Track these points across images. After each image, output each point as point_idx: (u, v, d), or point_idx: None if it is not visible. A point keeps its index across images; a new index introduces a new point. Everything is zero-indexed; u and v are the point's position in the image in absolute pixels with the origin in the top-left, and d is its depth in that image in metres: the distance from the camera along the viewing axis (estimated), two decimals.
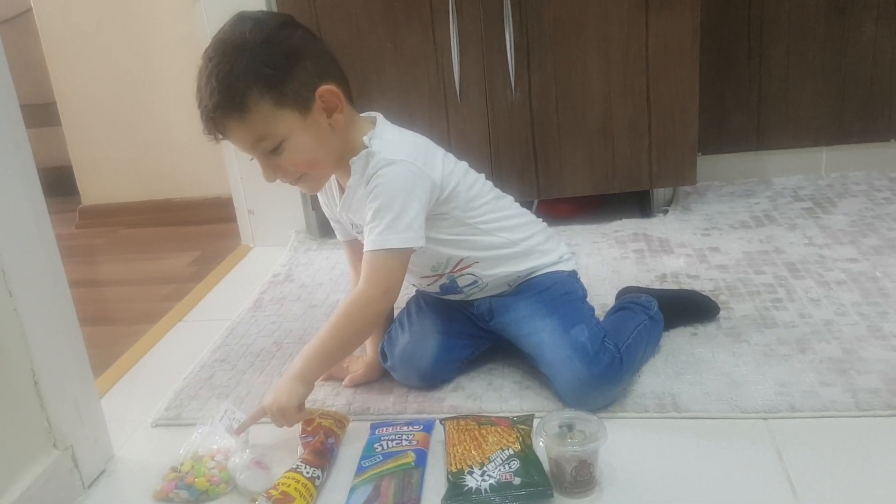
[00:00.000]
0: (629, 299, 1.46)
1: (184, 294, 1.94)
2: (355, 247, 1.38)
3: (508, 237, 1.33)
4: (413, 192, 1.20)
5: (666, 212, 2.12)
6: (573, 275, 1.39)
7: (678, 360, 1.36)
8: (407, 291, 1.46)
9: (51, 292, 1.15)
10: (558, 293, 1.33)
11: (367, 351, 1.42)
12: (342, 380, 1.39)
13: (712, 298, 1.52)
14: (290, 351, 1.52)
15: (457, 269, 1.32)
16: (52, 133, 2.69)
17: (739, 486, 1.04)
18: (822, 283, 1.60)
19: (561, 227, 2.08)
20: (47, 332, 1.13)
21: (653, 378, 1.31)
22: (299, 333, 1.61)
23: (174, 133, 2.57)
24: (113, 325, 1.81)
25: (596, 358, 1.22)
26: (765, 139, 2.33)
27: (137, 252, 2.43)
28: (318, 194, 1.37)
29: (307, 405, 1.24)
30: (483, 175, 1.36)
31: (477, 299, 1.38)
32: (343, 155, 1.23)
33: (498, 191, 1.38)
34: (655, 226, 2.03)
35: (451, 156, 1.32)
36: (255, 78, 1.12)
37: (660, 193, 2.12)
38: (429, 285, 1.37)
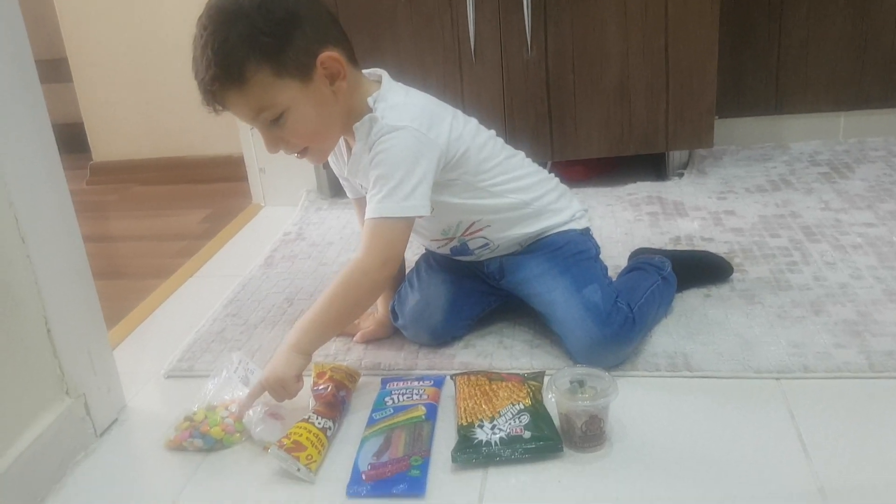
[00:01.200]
0: (642, 260, 1.45)
1: (195, 251, 1.94)
2: (365, 205, 1.36)
3: (520, 198, 1.30)
4: (417, 160, 1.15)
5: (681, 175, 2.10)
6: (586, 232, 1.37)
7: (691, 320, 1.35)
8: (418, 250, 1.46)
9: (63, 241, 1.14)
10: (571, 252, 1.31)
11: (378, 308, 1.42)
12: (353, 335, 1.39)
13: (726, 259, 1.51)
14: (302, 307, 1.52)
15: (468, 232, 1.30)
16: (63, 89, 2.67)
17: (750, 446, 1.04)
18: (838, 247, 1.58)
19: (574, 190, 2.00)
20: (60, 281, 1.13)
21: (665, 338, 1.30)
22: (310, 290, 1.61)
23: (186, 90, 2.51)
24: (125, 279, 1.82)
25: (609, 318, 1.22)
26: (783, 103, 2.29)
27: (149, 209, 2.43)
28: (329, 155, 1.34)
29: (318, 360, 1.25)
30: (493, 132, 1.33)
31: (488, 259, 1.37)
32: (348, 120, 1.19)
33: (510, 148, 1.34)
34: (670, 189, 2.01)
35: (460, 115, 1.27)
36: (252, 47, 1.08)
37: (675, 156, 2.10)
38: (440, 248, 1.36)
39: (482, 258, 1.36)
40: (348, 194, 1.41)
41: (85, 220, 1.18)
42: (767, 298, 1.40)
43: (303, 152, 1.21)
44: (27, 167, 1.08)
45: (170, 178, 2.62)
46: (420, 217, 1.19)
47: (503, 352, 1.31)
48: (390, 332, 1.40)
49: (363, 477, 1.03)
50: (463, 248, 1.34)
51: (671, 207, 1.89)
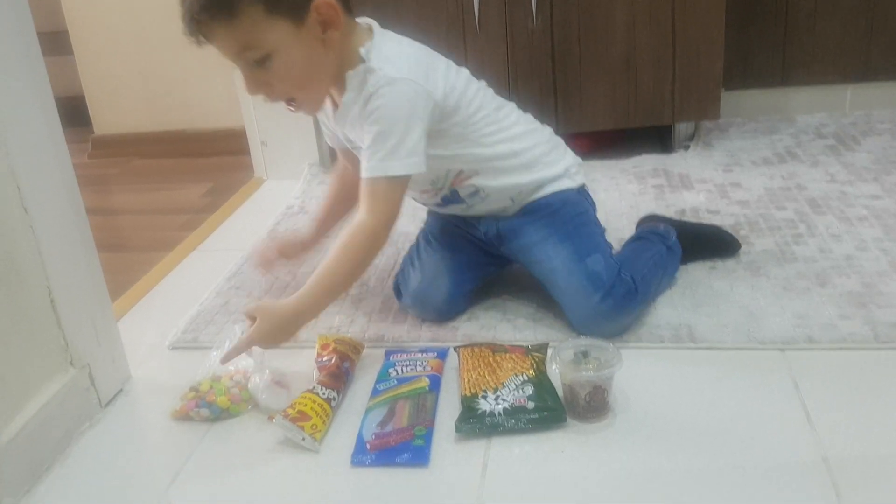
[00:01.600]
0: (648, 228, 1.44)
1: (198, 224, 1.94)
2: (348, 153, 1.34)
3: (511, 147, 1.27)
4: (415, 113, 1.13)
5: (687, 147, 2.08)
6: (582, 190, 1.35)
7: (696, 292, 1.34)
8: (415, 225, 1.45)
9: (66, 212, 1.14)
10: (569, 215, 1.30)
11: (305, 228, 1.47)
12: (289, 256, 1.45)
13: (735, 235, 1.49)
14: (305, 280, 1.51)
15: (458, 180, 1.28)
16: (64, 62, 2.65)
17: (755, 416, 1.04)
18: (844, 219, 1.57)
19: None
20: (63, 251, 1.13)
21: (669, 309, 1.30)
22: (314, 263, 1.60)
23: (187, 63, 2.52)
24: (128, 252, 1.82)
25: (612, 289, 1.21)
26: (789, 75, 2.27)
27: (151, 182, 2.43)
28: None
29: (322, 332, 1.26)
30: (484, 83, 1.29)
31: (482, 220, 1.34)
32: (338, 71, 1.16)
33: (500, 99, 1.31)
34: (676, 161, 2.00)
35: (452, 65, 1.24)
36: None
37: (681, 129, 2.08)
38: (430, 198, 1.34)
39: (474, 209, 1.32)
40: (331, 143, 1.39)
41: (87, 193, 1.17)
42: (773, 270, 1.39)
43: (292, 103, 1.17)
44: (29, 138, 1.07)
45: (172, 152, 2.61)
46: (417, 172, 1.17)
47: (506, 324, 1.31)
48: (299, 252, 1.44)
49: (367, 446, 1.04)
50: (454, 197, 1.31)
51: (677, 180, 1.88)
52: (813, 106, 2.27)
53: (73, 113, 2.63)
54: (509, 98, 1.97)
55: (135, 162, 2.61)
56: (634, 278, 1.24)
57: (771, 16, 2.21)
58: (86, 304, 1.17)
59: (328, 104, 1.26)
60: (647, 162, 2.01)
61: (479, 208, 1.32)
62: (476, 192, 1.29)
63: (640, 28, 1.90)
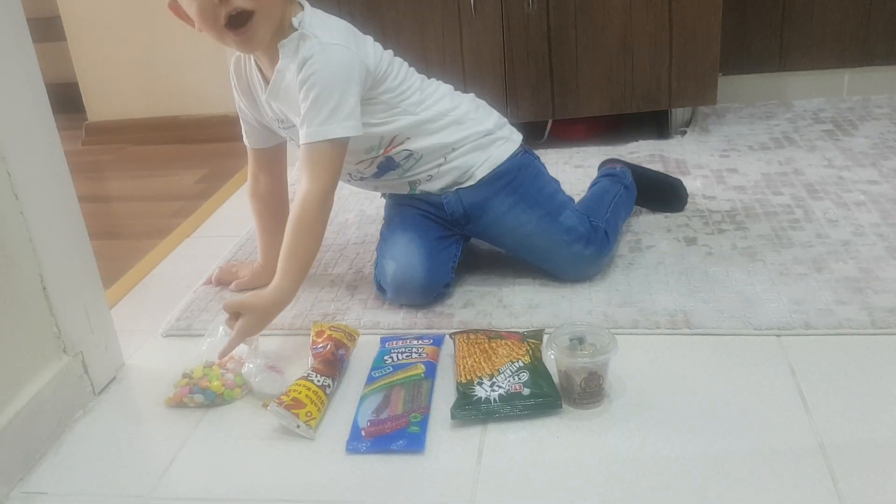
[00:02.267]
0: (605, 171, 1.57)
1: (192, 211, 1.92)
2: (263, 155, 1.39)
3: (437, 110, 1.31)
4: (351, 77, 1.17)
5: (684, 133, 2.07)
6: (527, 150, 1.40)
7: (691, 278, 1.34)
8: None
9: (58, 199, 1.13)
10: (528, 179, 1.36)
11: (259, 258, 1.47)
12: (230, 283, 1.45)
13: (686, 190, 1.61)
14: None
15: (391, 147, 1.30)
16: (57, 48, 2.62)
17: (751, 401, 1.04)
18: (841, 205, 1.57)
19: (575, 149, 2.04)
20: (55, 238, 1.11)
21: (665, 296, 1.29)
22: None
23: (181, 49, 2.50)
24: (121, 239, 1.80)
25: (589, 237, 1.34)
26: (787, 60, 2.26)
27: (144, 169, 2.40)
28: (236, 93, 1.34)
29: (317, 319, 1.25)
30: (407, 63, 1.34)
31: (445, 199, 1.35)
32: (274, 35, 1.18)
33: (423, 76, 1.36)
34: (673, 147, 1.99)
35: (377, 43, 1.29)
36: None
37: (678, 114, 2.07)
38: (367, 168, 1.34)
39: (412, 173, 1.34)
40: (248, 142, 1.40)
41: (81, 180, 1.16)
42: (769, 256, 1.39)
43: (241, 21, 1.14)
44: (20, 124, 1.06)
45: (165, 138, 2.59)
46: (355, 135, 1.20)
47: (502, 311, 1.31)
48: (266, 281, 1.37)
49: (363, 433, 1.03)
50: (389, 163, 1.33)
51: (673, 165, 1.87)
52: (811, 91, 2.26)
53: (67, 99, 2.61)
54: (504, 82, 1.97)
55: (128, 148, 2.59)
56: (603, 222, 1.38)
57: (769, 0, 2.19)
58: (78, 291, 1.16)
59: (257, 79, 1.28)
60: (644, 148, 2.00)
61: (415, 171, 1.34)
62: (409, 154, 1.32)
63: (636, 12, 1.89)
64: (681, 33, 1.90)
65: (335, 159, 1.19)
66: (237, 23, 1.14)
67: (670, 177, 1.65)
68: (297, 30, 1.18)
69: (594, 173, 1.64)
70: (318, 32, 1.18)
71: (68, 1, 2.59)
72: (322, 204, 1.19)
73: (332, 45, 1.17)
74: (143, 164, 2.46)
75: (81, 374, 1.16)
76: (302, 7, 1.22)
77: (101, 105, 2.71)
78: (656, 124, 2.13)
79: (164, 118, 2.65)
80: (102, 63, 2.65)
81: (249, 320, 1.15)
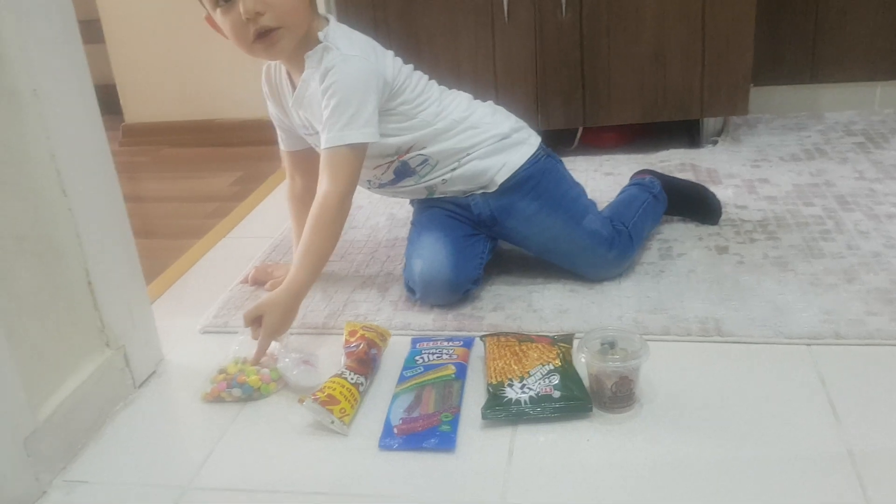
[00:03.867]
0: (635, 181, 1.61)
1: (227, 212, 1.96)
2: (297, 158, 1.45)
3: (453, 119, 1.36)
4: (369, 86, 1.24)
5: (715, 142, 2.08)
6: (549, 153, 1.43)
7: (723, 287, 1.35)
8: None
9: (104, 196, 1.17)
10: (551, 184, 1.40)
11: (294, 258, 1.46)
12: (265, 283, 1.48)
13: (718, 200, 1.61)
14: (331, 269, 1.53)
15: (407, 153, 1.35)
16: (96, 50, 2.67)
17: (780, 409, 1.05)
18: (872, 217, 1.57)
19: (606, 156, 2.05)
20: (101, 234, 1.15)
21: (697, 303, 1.30)
22: (340, 252, 1.62)
23: (216, 54, 2.54)
24: (159, 238, 1.84)
25: (612, 241, 1.38)
26: (819, 72, 2.25)
27: (181, 171, 2.46)
28: (268, 101, 1.40)
29: (350, 319, 1.28)
30: (428, 76, 1.39)
31: (473, 201, 1.39)
32: (303, 43, 1.25)
33: (443, 88, 1.41)
34: (704, 156, 2.00)
35: (398, 58, 1.35)
36: None
37: (709, 124, 2.08)
38: (383, 174, 1.39)
39: (427, 179, 1.38)
40: (282, 146, 1.47)
41: (118, 180, 1.20)
42: (800, 266, 1.39)
43: (268, 36, 1.20)
44: (70, 124, 1.09)
45: (201, 141, 2.64)
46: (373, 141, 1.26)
47: (532, 315, 1.32)
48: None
49: (395, 431, 1.05)
50: (404, 168, 1.37)
51: (704, 174, 1.87)
52: (842, 103, 2.26)
53: (104, 101, 2.63)
54: (536, 89, 1.99)
55: (165, 150, 2.65)
56: (627, 226, 1.41)
57: (801, 12, 2.20)
58: (122, 286, 1.20)
59: (286, 86, 1.34)
60: (675, 156, 2.01)
61: (430, 178, 1.38)
62: (424, 160, 1.36)
63: (669, 22, 1.90)
64: (713, 44, 1.91)
65: (353, 163, 1.25)
66: (264, 34, 1.21)
67: (702, 188, 1.65)
68: (321, 42, 1.25)
69: (624, 181, 1.66)
70: (341, 45, 1.25)
71: (108, 4, 2.65)
72: (340, 204, 1.24)
73: (353, 57, 1.24)
74: (179, 165, 2.51)
75: (123, 368, 1.20)
76: (328, 21, 1.30)
77: (137, 107, 2.76)
78: (687, 133, 2.13)
79: (199, 121, 2.70)
80: (140, 66, 2.70)
81: (272, 317, 1.19)
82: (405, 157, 1.35)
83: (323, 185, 1.24)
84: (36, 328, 1.04)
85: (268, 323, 1.19)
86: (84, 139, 1.13)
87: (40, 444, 1.01)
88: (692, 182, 1.70)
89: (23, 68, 1.01)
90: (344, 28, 1.31)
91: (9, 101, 1.00)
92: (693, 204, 1.61)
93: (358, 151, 1.25)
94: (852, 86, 2.26)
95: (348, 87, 1.22)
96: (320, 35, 1.26)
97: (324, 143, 1.24)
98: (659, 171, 1.69)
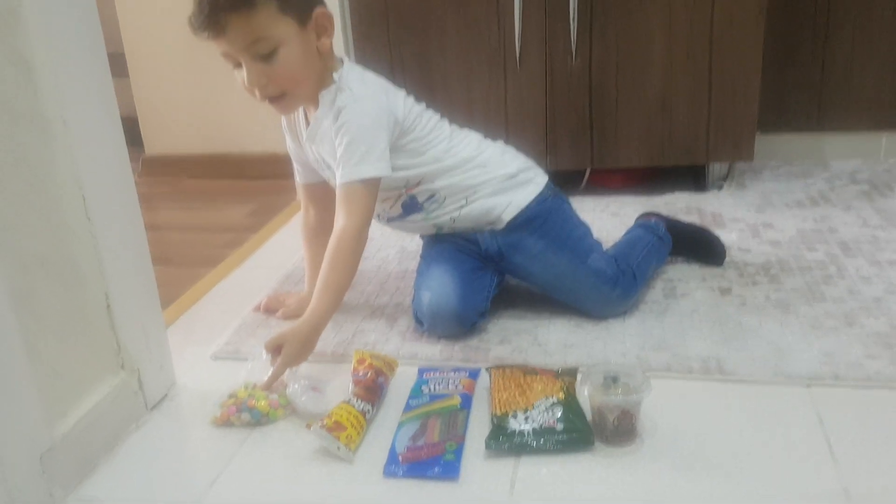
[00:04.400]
0: (640, 223, 1.65)
1: (242, 242, 2.01)
2: (311, 190, 1.50)
3: (462, 157, 1.40)
4: (380, 125, 1.29)
5: (721, 187, 2.11)
6: (556, 193, 1.47)
7: (725, 327, 1.37)
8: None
9: (126, 223, 1.21)
10: (558, 223, 1.44)
11: (305, 284, 1.55)
12: (277, 311, 1.52)
13: (724, 246, 1.64)
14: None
15: (416, 187, 1.40)
16: (119, 84, 2.74)
17: (778, 447, 1.06)
18: (875, 263, 1.59)
19: (613, 198, 2.09)
20: (121, 260, 1.19)
21: (699, 342, 1.33)
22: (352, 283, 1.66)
23: (236, 90, 2.61)
24: (175, 266, 1.89)
25: (616, 280, 1.41)
26: (825, 121, 2.30)
27: (198, 201, 2.51)
28: (286, 134, 1.46)
29: (359, 348, 1.31)
30: (440, 115, 1.44)
31: (480, 236, 1.43)
32: (319, 83, 1.31)
33: (455, 127, 1.45)
34: (709, 200, 2.03)
35: (410, 97, 1.40)
36: None
37: (715, 168, 2.12)
38: (391, 207, 1.43)
39: (433, 215, 1.43)
40: (298, 179, 1.52)
41: None
42: (802, 309, 1.42)
43: (277, 99, 1.29)
44: (96, 152, 1.14)
45: (219, 173, 2.71)
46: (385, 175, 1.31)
47: (537, 348, 1.35)
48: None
49: (400, 458, 1.07)
50: (412, 202, 1.42)
51: (709, 218, 1.91)
52: (848, 152, 2.30)
53: (126, 133, 2.73)
54: (545, 131, 2.04)
55: (183, 182, 2.71)
56: (631, 266, 1.45)
57: (808, 61, 2.25)
58: (139, 311, 1.23)
59: (302, 122, 1.39)
60: (681, 199, 2.05)
61: (437, 213, 1.42)
62: (432, 195, 1.40)
63: (677, 69, 1.95)
64: (720, 92, 1.96)
65: (368, 197, 1.30)
66: (272, 99, 1.29)
67: (707, 230, 1.69)
68: (335, 83, 1.31)
69: (630, 222, 1.69)
70: (353, 86, 1.30)
71: (133, 39, 2.73)
72: (356, 238, 1.29)
73: (364, 98, 1.29)
74: (197, 197, 2.57)
75: (137, 390, 1.23)
76: (343, 62, 1.35)
77: (158, 139, 2.83)
78: (694, 177, 2.17)
79: (217, 154, 2.77)
80: (161, 100, 2.78)
81: (291, 347, 1.23)
82: (413, 191, 1.40)
83: (340, 220, 1.28)
84: (55, 348, 1.08)
85: (286, 352, 1.22)
86: (109, 168, 1.17)
87: (55, 460, 1.04)
88: (696, 225, 1.73)
89: (54, 98, 1.06)
90: (357, 69, 1.37)
91: (40, 130, 1.05)
92: (697, 246, 1.64)
93: (371, 186, 1.30)
94: (858, 135, 2.30)
95: (359, 126, 1.27)
96: (335, 76, 1.31)
97: (339, 179, 1.29)
98: (664, 213, 1.72)
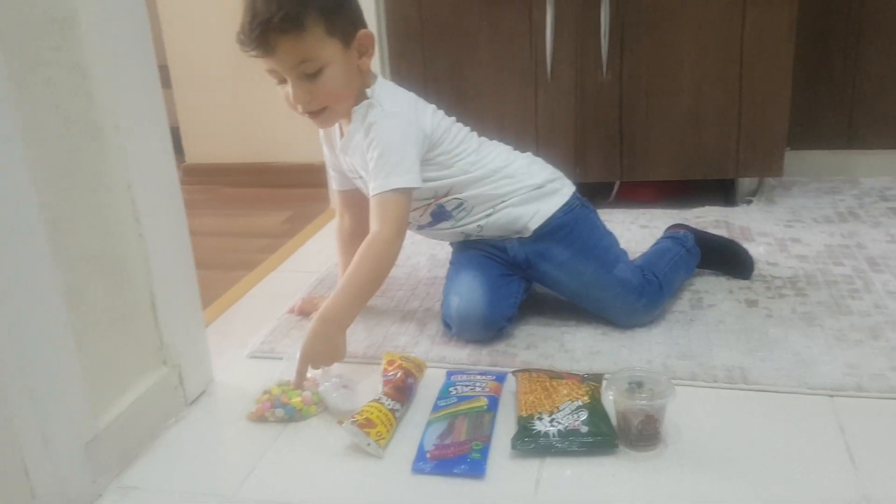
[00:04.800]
0: (668, 234, 1.66)
1: (277, 247, 2.07)
2: (346, 196, 1.55)
3: (490, 168, 1.44)
4: (408, 139, 1.33)
5: (750, 202, 2.13)
6: (583, 202, 1.50)
7: (751, 338, 1.39)
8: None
9: (172, 226, 1.26)
10: (584, 232, 1.47)
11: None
12: (310, 314, 1.54)
13: (752, 259, 1.65)
14: (373, 303, 1.61)
15: (444, 197, 1.44)
16: (163, 94, 2.84)
17: (800, 454, 1.08)
18: None
19: (641, 211, 2.11)
20: (166, 260, 1.24)
21: (725, 352, 1.34)
22: (382, 288, 1.67)
23: (275, 101, 2.66)
24: (213, 269, 1.94)
25: (642, 289, 1.43)
26: (855, 138, 2.30)
27: (236, 209, 2.59)
28: (324, 145, 1.51)
29: (389, 350, 1.36)
30: (469, 128, 1.49)
31: (508, 243, 1.46)
32: (356, 98, 1.36)
33: (483, 139, 1.50)
34: (738, 215, 2.05)
35: (440, 112, 1.44)
36: (314, 2, 1.25)
37: (745, 183, 2.13)
38: (421, 216, 1.47)
39: (462, 223, 1.46)
40: (334, 185, 1.58)
41: None
42: (827, 322, 1.43)
43: (317, 113, 1.35)
44: (146, 157, 1.19)
45: (256, 182, 2.78)
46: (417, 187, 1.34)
47: (564, 355, 1.38)
48: None
49: (427, 456, 1.11)
50: (441, 211, 1.45)
51: (738, 232, 1.92)
52: (878, 169, 2.29)
53: None
54: (575, 144, 2.07)
55: (222, 190, 2.78)
56: (658, 276, 1.46)
57: (839, 78, 2.26)
58: (181, 310, 1.29)
59: (338, 133, 1.44)
60: (710, 213, 2.07)
61: (466, 224, 1.46)
62: (460, 204, 1.44)
63: (707, 85, 1.97)
64: (750, 107, 1.98)
65: (400, 207, 1.33)
66: (313, 113, 1.35)
67: (735, 243, 1.70)
68: (368, 98, 1.36)
69: (659, 234, 1.71)
70: (384, 102, 1.35)
71: (176, 52, 2.81)
72: (387, 245, 1.31)
73: (393, 114, 1.34)
74: (235, 204, 2.64)
75: (177, 385, 1.28)
76: (376, 78, 1.40)
77: (198, 149, 2.91)
78: (723, 192, 2.19)
79: (255, 164, 2.84)
80: (202, 111, 2.86)
81: (304, 342, 1.26)
82: (441, 201, 1.44)
83: (374, 226, 1.32)
84: (102, 342, 1.13)
85: (301, 348, 1.26)
86: (157, 172, 1.23)
87: (99, 449, 1.09)
88: (725, 238, 1.74)
89: (107, 105, 1.11)
90: (389, 85, 1.42)
91: (93, 134, 1.11)
92: (726, 258, 1.66)
93: (403, 195, 1.33)
94: (889, 153, 2.29)
95: (389, 141, 1.32)
96: (368, 91, 1.37)
97: (372, 191, 1.33)
98: (693, 226, 1.74)
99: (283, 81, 1.32)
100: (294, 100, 1.32)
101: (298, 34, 1.25)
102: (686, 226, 1.71)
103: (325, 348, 1.28)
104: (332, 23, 1.27)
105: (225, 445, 1.22)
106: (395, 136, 1.33)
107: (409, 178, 1.33)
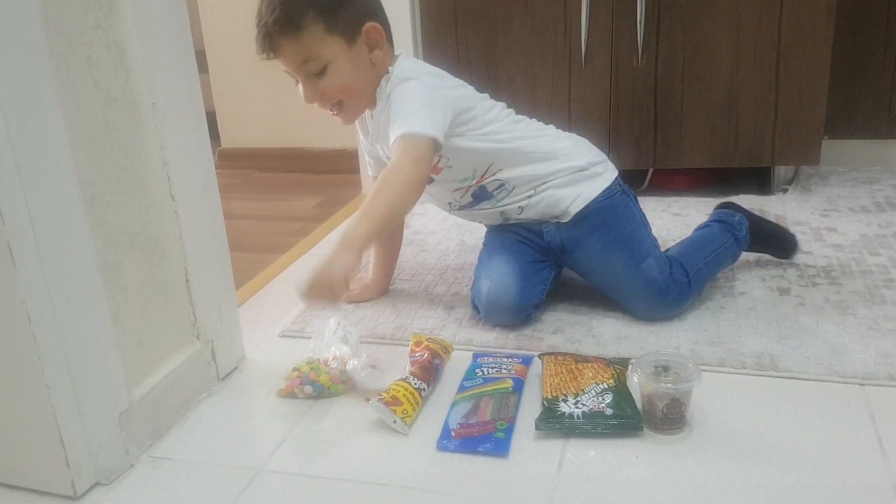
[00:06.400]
0: (722, 215, 1.57)
1: (309, 231, 2.10)
2: None
3: (531, 143, 1.42)
4: (429, 99, 1.30)
5: (785, 190, 2.10)
6: (625, 189, 1.47)
7: (782, 325, 1.38)
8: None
9: (206, 205, 1.28)
10: (620, 220, 1.44)
11: (369, 272, 1.60)
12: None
13: (796, 239, 1.63)
14: (402, 287, 1.63)
15: (484, 177, 1.42)
16: (199, 79, 2.88)
17: (829, 442, 1.07)
18: None
19: (674, 199, 2.10)
20: (200, 238, 1.27)
21: (755, 339, 1.33)
22: (412, 272, 1.72)
23: None
24: (246, 251, 1.97)
25: (667, 289, 1.40)
26: (895, 128, 2.25)
27: (269, 192, 2.62)
28: (359, 132, 1.52)
29: (416, 331, 1.36)
30: (503, 103, 1.46)
31: (545, 228, 1.45)
32: (373, 93, 1.37)
33: (524, 116, 1.47)
34: (773, 203, 2.02)
35: (468, 85, 1.43)
36: (313, 3, 1.27)
37: (781, 172, 2.10)
38: (462, 196, 1.45)
39: (502, 203, 1.44)
40: (370, 172, 1.58)
41: None
42: (860, 311, 1.41)
43: (338, 108, 1.36)
44: (182, 138, 1.21)
45: (289, 167, 2.81)
46: (439, 143, 1.27)
47: (591, 339, 1.38)
48: (376, 294, 1.58)
49: (452, 434, 1.12)
50: (482, 192, 1.44)
51: (772, 220, 1.89)
52: None
53: None
54: (608, 130, 2.06)
55: (256, 174, 2.82)
56: (689, 273, 1.42)
57: (878, 67, 2.21)
58: (215, 287, 1.31)
59: (369, 120, 1.45)
60: (745, 202, 2.01)
61: (507, 204, 1.44)
62: (501, 185, 1.42)
63: (743, 71, 1.95)
64: (787, 95, 1.95)
65: (420, 145, 1.26)
66: (334, 110, 1.36)
67: (786, 230, 1.66)
68: (388, 75, 1.36)
69: (692, 222, 1.69)
70: (402, 71, 1.35)
71: (213, 38, 2.85)
72: (401, 169, 1.24)
73: (411, 78, 1.33)
74: (268, 188, 2.68)
75: (209, 361, 1.30)
76: (397, 58, 1.39)
77: (234, 133, 2.96)
78: (758, 180, 2.16)
79: (289, 149, 2.88)
80: (238, 96, 2.90)
81: (322, 259, 1.21)
82: (483, 182, 1.42)
83: (394, 157, 1.27)
84: (138, 317, 1.16)
85: (322, 262, 1.20)
86: (192, 151, 1.25)
87: (133, 421, 1.12)
88: (778, 225, 1.68)
89: (145, 84, 1.14)
90: (412, 60, 1.41)
91: (131, 113, 1.13)
92: (772, 241, 1.62)
93: (422, 140, 1.26)
94: None
95: (404, 99, 1.30)
96: (390, 69, 1.37)
97: (391, 139, 1.28)
98: (743, 207, 1.65)
99: (298, 81, 1.35)
100: (305, 99, 1.34)
101: (297, 35, 1.27)
102: (740, 207, 1.62)
103: (337, 262, 1.20)
104: (333, 20, 1.28)
105: (255, 420, 1.25)
106: (412, 95, 1.30)
107: (427, 123, 1.26)
